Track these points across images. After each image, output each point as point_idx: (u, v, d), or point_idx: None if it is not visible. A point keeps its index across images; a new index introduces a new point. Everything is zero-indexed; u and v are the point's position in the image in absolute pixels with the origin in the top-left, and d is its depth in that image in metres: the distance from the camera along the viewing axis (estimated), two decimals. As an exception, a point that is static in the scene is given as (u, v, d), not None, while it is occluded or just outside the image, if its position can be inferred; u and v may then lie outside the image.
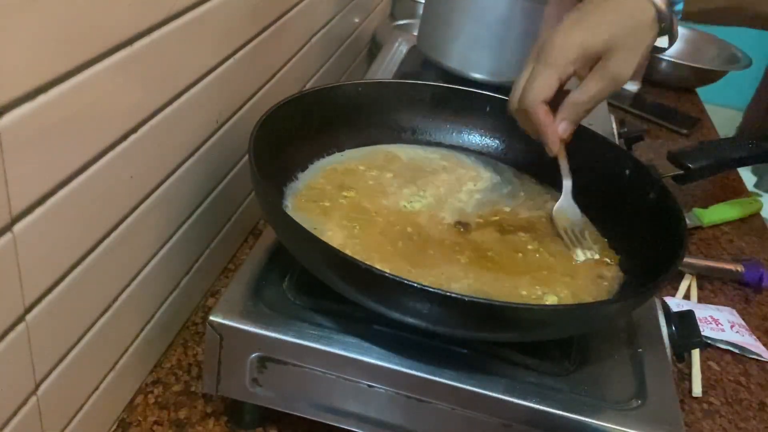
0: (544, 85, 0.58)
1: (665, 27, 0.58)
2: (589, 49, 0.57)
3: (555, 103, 0.60)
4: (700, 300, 0.84)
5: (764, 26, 0.66)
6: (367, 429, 0.55)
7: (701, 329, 0.69)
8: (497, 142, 0.76)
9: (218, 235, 0.74)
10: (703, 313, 0.80)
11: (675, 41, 0.60)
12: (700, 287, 0.86)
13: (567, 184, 0.65)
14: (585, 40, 0.57)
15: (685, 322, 0.62)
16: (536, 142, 0.64)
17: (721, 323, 0.80)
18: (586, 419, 0.50)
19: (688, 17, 0.61)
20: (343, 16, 1.03)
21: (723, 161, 0.94)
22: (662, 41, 0.59)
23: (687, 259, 0.87)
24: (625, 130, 0.99)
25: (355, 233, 0.60)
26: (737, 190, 1.10)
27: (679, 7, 0.59)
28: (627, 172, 0.67)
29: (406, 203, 0.65)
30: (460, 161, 0.74)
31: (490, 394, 0.51)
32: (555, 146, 0.61)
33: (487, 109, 0.75)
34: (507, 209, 0.68)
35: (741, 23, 0.69)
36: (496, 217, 0.66)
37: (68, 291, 0.46)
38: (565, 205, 0.65)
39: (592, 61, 0.58)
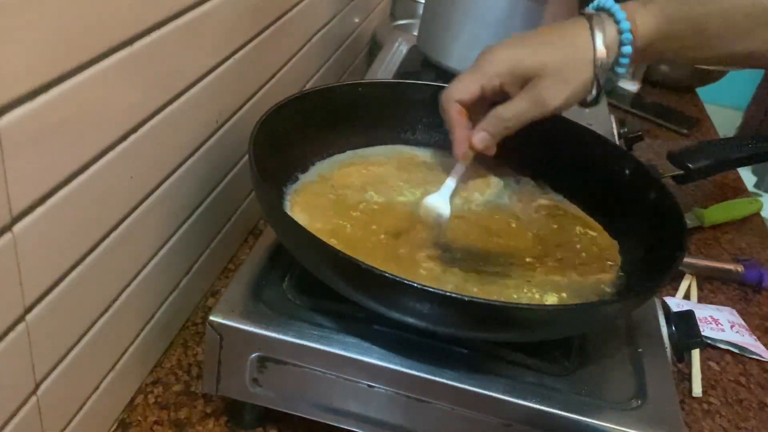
0: (463, 87, 0.59)
1: (597, 76, 0.56)
2: (520, 66, 0.57)
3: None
4: (700, 300, 0.85)
5: (729, 63, 0.61)
6: (367, 429, 0.55)
7: (701, 329, 0.69)
8: (497, 142, 0.76)
9: (218, 235, 0.74)
10: (703, 313, 0.80)
11: (598, 100, 0.58)
12: (700, 287, 0.86)
13: (451, 183, 0.64)
14: (518, 57, 0.57)
15: (685, 322, 0.62)
16: (536, 143, 0.64)
17: (721, 323, 0.80)
18: (586, 419, 0.50)
19: (644, 60, 0.59)
20: (343, 16, 1.03)
21: (723, 161, 0.94)
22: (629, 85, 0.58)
23: (687, 259, 0.87)
24: (625, 130, 0.99)
25: (347, 232, 0.60)
26: (737, 190, 1.10)
27: (625, 61, 0.56)
28: (627, 172, 0.67)
29: (404, 199, 0.65)
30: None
31: (490, 394, 0.51)
32: (459, 148, 0.61)
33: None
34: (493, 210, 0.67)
35: (696, 63, 0.66)
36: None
37: (68, 291, 0.46)
38: (438, 201, 0.64)
39: (523, 81, 0.57)
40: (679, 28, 0.56)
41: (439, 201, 0.64)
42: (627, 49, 0.55)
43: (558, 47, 0.56)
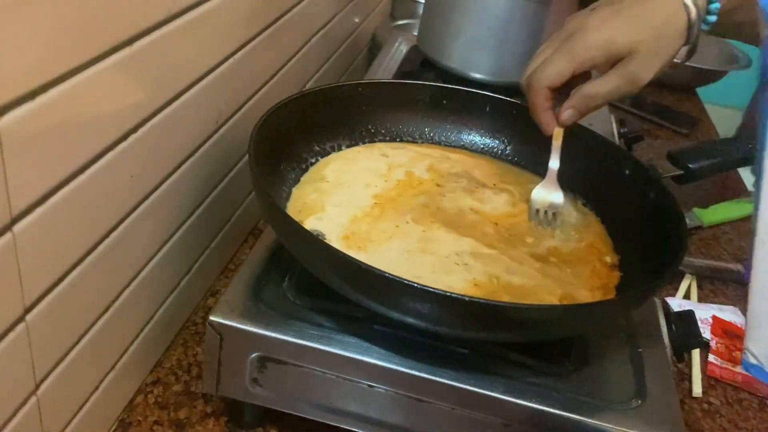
0: (555, 73, 0.59)
1: (691, 38, 0.57)
2: (614, 48, 0.57)
3: (569, 87, 0.60)
4: (701, 300, 0.84)
5: None
6: (367, 429, 0.55)
7: (702, 331, 0.69)
8: (497, 142, 0.76)
9: (218, 235, 0.74)
10: (705, 313, 0.80)
11: (693, 55, 0.59)
12: (700, 287, 0.86)
13: (553, 166, 0.64)
14: (611, 40, 0.57)
15: (685, 322, 0.62)
16: (536, 143, 0.64)
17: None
18: (586, 419, 0.50)
19: (718, 30, 0.60)
20: (343, 16, 1.03)
21: (723, 161, 0.94)
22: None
23: (687, 259, 0.87)
24: (625, 130, 0.99)
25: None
26: (737, 190, 1.10)
27: (712, 19, 0.57)
28: (627, 172, 0.67)
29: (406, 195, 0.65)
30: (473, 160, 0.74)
31: (490, 394, 0.51)
32: (549, 129, 0.62)
33: (487, 109, 0.75)
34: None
35: None
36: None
37: (68, 291, 0.46)
38: (548, 187, 0.64)
39: (615, 60, 0.58)
40: None
41: (548, 188, 0.64)
42: (715, 6, 0.56)
43: (649, 22, 0.56)
